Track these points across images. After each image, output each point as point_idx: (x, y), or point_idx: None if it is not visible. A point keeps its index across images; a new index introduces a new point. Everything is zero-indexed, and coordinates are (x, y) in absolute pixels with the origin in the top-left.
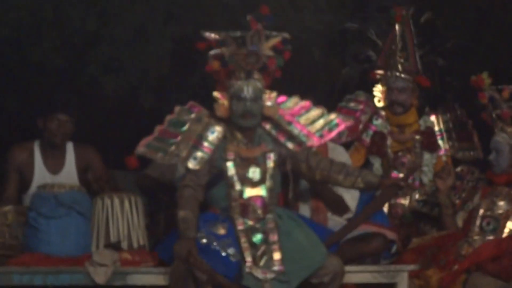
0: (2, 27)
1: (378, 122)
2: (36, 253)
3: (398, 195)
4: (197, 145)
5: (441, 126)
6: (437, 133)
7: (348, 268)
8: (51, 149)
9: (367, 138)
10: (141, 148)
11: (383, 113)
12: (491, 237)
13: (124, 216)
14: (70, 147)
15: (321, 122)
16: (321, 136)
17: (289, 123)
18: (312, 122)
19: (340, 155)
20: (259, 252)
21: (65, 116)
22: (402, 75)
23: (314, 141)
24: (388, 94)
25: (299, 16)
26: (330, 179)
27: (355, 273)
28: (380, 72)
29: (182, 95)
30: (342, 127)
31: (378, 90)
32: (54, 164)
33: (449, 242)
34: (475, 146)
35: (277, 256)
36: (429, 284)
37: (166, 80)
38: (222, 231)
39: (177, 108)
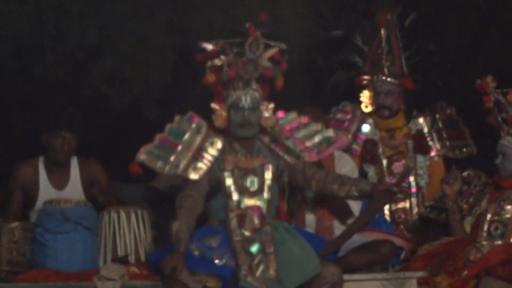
0: (3, 41)
1: (367, 130)
2: (44, 269)
3: (396, 201)
4: (197, 156)
5: (430, 127)
6: (427, 135)
7: (357, 276)
8: (56, 165)
9: (357, 148)
10: (141, 155)
11: (370, 120)
12: (499, 242)
13: (131, 230)
14: (74, 161)
15: (319, 137)
16: (319, 152)
17: (287, 138)
18: (310, 138)
19: (347, 163)
20: (256, 261)
21: (69, 133)
22: (388, 79)
23: (312, 156)
24: (375, 98)
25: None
26: (326, 189)
27: (364, 281)
28: (366, 77)
29: (185, 105)
30: (340, 143)
31: (365, 96)
32: (59, 179)
33: (457, 248)
34: (467, 143)
35: (273, 266)
36: None
37: (170, 91)
38: (214, 243)
39: (177, 117)
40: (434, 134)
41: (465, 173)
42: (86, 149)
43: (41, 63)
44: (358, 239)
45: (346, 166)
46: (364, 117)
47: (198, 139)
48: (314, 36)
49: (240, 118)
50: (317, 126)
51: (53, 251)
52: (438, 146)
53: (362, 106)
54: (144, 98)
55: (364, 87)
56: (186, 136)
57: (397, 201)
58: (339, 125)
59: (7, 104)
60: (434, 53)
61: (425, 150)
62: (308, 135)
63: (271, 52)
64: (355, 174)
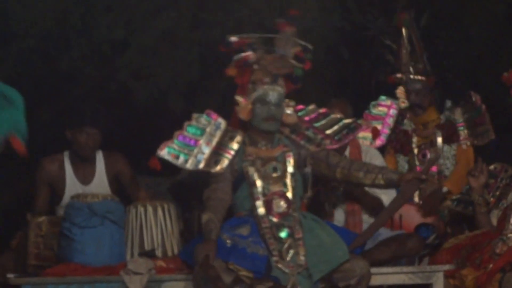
0: (30, 38)
1: (404, 122)
2: (71, 263)
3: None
4: (218, 151)
5: (463, 117)
6: (458, 123)
7: (383, 269)
8: (81, 160)
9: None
10: (161, 152)
11: (407, 114)
12: None
13: (157, 224)
14: (100, 156)
15: (339, 125)
16: (340, 139)
17: (307, 128)
18: (330, 127)
19: (374, 157)
20: (285, 246)
21: (94, 129)
22: (416, 77)
23: (333, 143)
24: (408, 96)
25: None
26: (351, 177)
27: (391, 275)
28: (398, 75)
29: (211, 99)
30: (359, 130)
31: (400, 92)
32: (85, 174)
33: (483, 241)
34: (487, 128)
35: (302, 251)
36: (464, 283)
37: (196, 85)
38: (245, 232)
39: (195, 115)
40: (464, 123)
41: (491, 167)
42: (112, 143)
43: (67, 58)
44: (384, 232)
45: (375, 160)
46: (401, 111)
47: (218, 135)
48: (340, 30)
49: (266, 113)
50: (336, 115)
51: (80, 245)
52: (466, 133)
53: (400, 101)
54: (170, 92)
55: (399, 83)
56: (206, 132)
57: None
58: (378, 119)
59: (34, 99)
60: (450, 53)
61: (452, 139)
62: (328, 124)
63: (296, 49)
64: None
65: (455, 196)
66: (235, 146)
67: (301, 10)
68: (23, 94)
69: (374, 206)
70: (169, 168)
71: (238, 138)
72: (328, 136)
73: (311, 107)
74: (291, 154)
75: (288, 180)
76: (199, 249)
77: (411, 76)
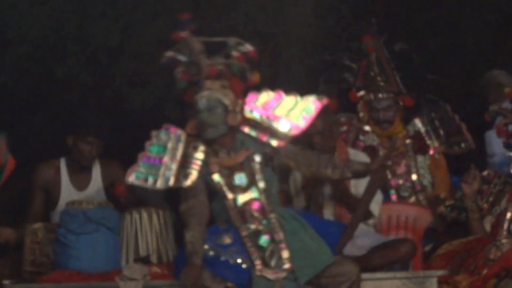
0: (26, 45)
1: (364, 137)
2: (67, 270)
3: (402, 197)
4: (184, 164)
5: (427, 127)
6: (425, 134)
7: (377, 275)
8: (78, 167)
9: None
10: (130, 178)
11: (367, 128)
12: None
13: (152, 230)
14: (96, 163)
15: (298, 107)
16: (304, 121)
17: (268, 118)
18: (289, 111)
19: (363, 159)
20: (267, 253)
21: (97, 139)
22: (385, 95)
23: (298, 128)
24: (374, 114)
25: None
26: (320, 174)
27: (384, 280)
28: (361, 93)
29: None
30: (318, 105)
31: (361, 108)
32: (81, 180)
33: (477, 246)
34: (465, 138)
35: (285, 254)
36: None
37: None
38: (227, 240)
39: (153, 133)
40: (431, 133)
41: (485, 173)
42: (108, 150)
43: (63, 65)
44: (378, 238)
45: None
46: (360, 125)
47: (180, 147)
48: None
49: (199, 121)
50: (292, 98)
51: (76, 251)
52: (436, 144)
53: (358, 117)
54: (165, 99)
55: (358, 101)
56: (168, 148)
57: (404, 197)
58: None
59: (30, 106)
60: (432, 80)
61: (424, 150)
62: (287, 108)
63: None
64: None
65: (449, 202)
66: (200, 155)
67: (296, 16)
68: (19, 100)
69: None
70: None
71: (201, 147)
72: (290, 122)
73: (265, 93)
74: (255, 157)
75: (259, 184)
76: (186, 274)
77: (379, 95)
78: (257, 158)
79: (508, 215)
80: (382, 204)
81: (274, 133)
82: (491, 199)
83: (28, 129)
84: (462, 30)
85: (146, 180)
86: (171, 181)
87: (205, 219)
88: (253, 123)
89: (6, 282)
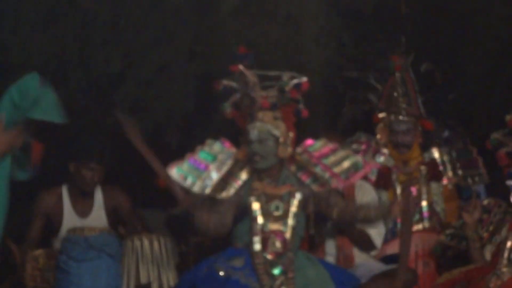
0: (28, 70)
1: (380, 159)
2: None
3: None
4: (226, 179)
5: (443, 157)
6: (440, 164)
7: None
8: (80, 193)
9: (372, 177)
10: (171, 171)
11: (385, 151)
12: None
13: (154, 257)
14: (98, 189)
15: (347, 163)
16: (347, 178)
17: (315, 164)
18: (338, 164)
19: (368, 192)
20: (278, 283)
21: (100, 165)
22: (406, 118)
23: (340, 183)
24: (393, 137)
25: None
26: (346, 215)
27: None
28: (382, 115)
29: (208, 132)
30: (368, 168)
31: (380, 132)
32: (83, 207)
33: (477, 275)
34: (480, 172)
35: None
36: None
37: (192, 118)
38: (239, 264)
39: (208, 141)
40: (447, 164)
41: (485, 202)
42: (109, 176)
43: (64, 91)
44: (378, 266)
45: (367, 195)
46: (378, 148)
47: (228, 163)
48: (336, 65)
49: (250, 151)
50: (345, 152)
51: (77, 278)
52: (450, 174)
53: (376, 139)
54: (166, 125)
55: (378, 122)
56: (217, 159)
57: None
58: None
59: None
60: (452, 99)
61: (438, 177)
62: (336, 161)
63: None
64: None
65: (449, 231)
66: (244, 176)
67: (297, 45)
68: None
69: (363, 240)
70: (165, 200)
71: (247, 170)
72: (335, 174)
73: (321, 142)
74: (297, 194)
75: (289, 220)
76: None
77: (400, 117)
78: (298, 196)
79: (509, 244)
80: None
81: (315, 178)
82: (491, 228)
83: None
84: (461, 58)
85: (185, 179)
86: (209, 189)
87: (221, 223)
88: (300, 164)
89: None
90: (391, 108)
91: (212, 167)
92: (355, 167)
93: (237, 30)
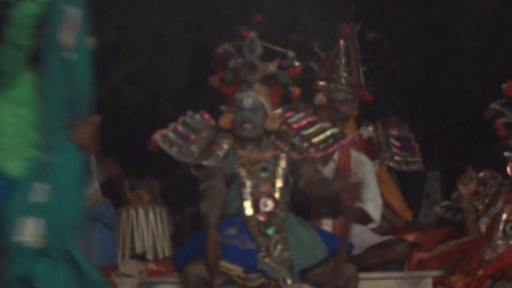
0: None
1: None
2: None
3: None
4: (210, 147)
5: (380, 137)
6: (376, 144)
7: (372, 275)
8: None
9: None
10: (158, 137)
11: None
12: None
13: (149, 227)
14: (92, 160)
15: (326, 134)
16: (324, 148)
17: (294, 136)
18: (316, 135)
19: (363, 164)
20: (273, 242)
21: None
22: (345, 88)
23: (317, 153)
24: (329, 105)
25: None
26: (310, 189)
27: (380, 280)
28: (322, 83)
29: (202, 104)
30: (346, 140)
31: (319, 100)
32: None
33: (472, 247)
34: (417, 159)
35: (287, 248)
36: None
37: (187, 89)
38: (233, 232)
39: (189, 112)
40: (382, 144)
41: (481, 174)
42: (102, 146)
43: None
44: (374, 237)
45: (363, 167)
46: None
47: (210, 134)
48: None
49: (240, 118)
50: (323, 124)
51: None
52: (386, 155)
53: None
54: (161, 96)
55: (318, 91)
56: (199, 129)
57: None
58: None
59: None
60: (396, 70)
61: (375, 156)
62: (315, 132)
63: (276, 61)
64: (372, 174)
65: (444, 203)
66: (225, 145)
67: (293, 15)
68: None
69: (359, 216)
70: (160, 171)
71: (229, 139)
72: (313, 144)
73: (301, 114)
74: (282, 155)
75: (277, 181)
76: (206, 237)
77: (339, 86)
78: (282, 162)
79: (504, 216)
80: None
81: (293, 147)
82: (487, 200)
83: None
84: (457, 31)
85: (171, 147)
86: (195, 157)
87: (222, 196)
88: (279, 134)
89: None
90: (332, 76)
91: (195, 136)
92: (333, 138)
93: (232, 2)
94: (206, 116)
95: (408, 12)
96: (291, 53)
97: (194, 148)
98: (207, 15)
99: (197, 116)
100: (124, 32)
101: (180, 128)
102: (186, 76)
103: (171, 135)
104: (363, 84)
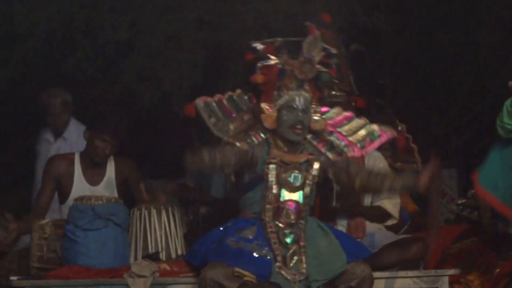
0: (35, 39)
1: None
2: (75, 266)
3: None
4: (248, 131)
5: None
6: None
7: (388, 273)
8: (92, 162)
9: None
10: (201, 103)
11: None
12: None
13: (162, 227)
14: (111, 159)
15: (363, 132)
16: (363, 147)
17: (331, 133)
18: (354, 133)
19: (378, 160)
20: (290, 252)
21: (113, 139)
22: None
23: (355, 152)
24: None
25: None
26: (369, 186)
27: (396, 279)
28: None
29: None
30: (384, 137)
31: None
32: (94, 175)
33: (489, 246)
34: (415, 160)
35: (304, 259)
36: None
37: (200, 87)
38: (250, 235)
39: (238, 91)
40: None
41: None
42: (121, 147)
43: (72, 59)
44: (389, 236)
45: (378, 163)
46: None
47: (251, 120)
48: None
49: (294, 119)
50: (361, 121)
51: (84, 247)
52: (385, 155)
53: None
54: (173, 94)
55: None
56: (243, 111)
57: None
58: None
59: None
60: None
61: None
62: (352, 129)
63: (321, 54)
64: (387, 170)
65: (461, 200)
66: (263, 135)
67: (307, 13)
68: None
69: (379, 214)
70: (173, 170)
71: (267, 134)
72: (351, 143)
73: (336, 109)
74: (315, 163)
75: (306, 189)
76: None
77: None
78: (316, 165)
79: None
80: None
81: (331, 147)
82: None
83: (36, 124)
84: (474, 26)
85: (210, 116)
86: (230, 134)
87: (226, 169)
88: (316, 133)
89: (13, 278)
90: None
91: (237, 115)
92: (371, 136)
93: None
94: (254, 100)
95: (425, 7)
96: (334, 50)
97: (231, 126)
98: (220, 12)
99: (245, 97)
100: (137, 29)
101: (225, 102)
102: (199, 74)
103: (214, 105)
104: (355, 90)
